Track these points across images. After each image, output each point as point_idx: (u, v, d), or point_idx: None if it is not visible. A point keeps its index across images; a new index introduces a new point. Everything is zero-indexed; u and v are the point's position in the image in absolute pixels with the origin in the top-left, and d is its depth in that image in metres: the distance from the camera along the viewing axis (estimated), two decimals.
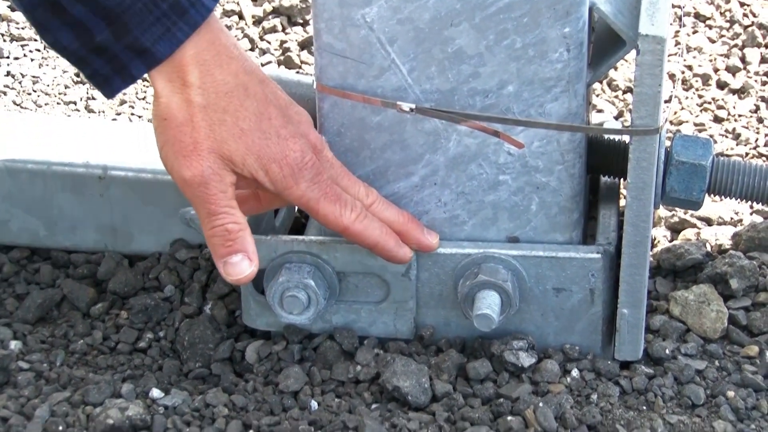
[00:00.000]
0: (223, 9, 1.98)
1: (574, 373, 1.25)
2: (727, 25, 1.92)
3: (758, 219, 1.48)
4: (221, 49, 1.11)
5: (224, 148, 1.11)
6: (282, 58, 1.89)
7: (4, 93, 1.80)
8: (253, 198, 1.21)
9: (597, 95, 1.79)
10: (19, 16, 1.95)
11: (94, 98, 1.81)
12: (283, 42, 1.92)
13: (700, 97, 1.78)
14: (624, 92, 1.80)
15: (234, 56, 1.12)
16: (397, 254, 1.21)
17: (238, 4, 1.99)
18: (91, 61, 1.09)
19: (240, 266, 1.13)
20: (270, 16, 1.97)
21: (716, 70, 1.83)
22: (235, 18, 1.97)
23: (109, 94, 1.12)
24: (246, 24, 1.96)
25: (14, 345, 1.31)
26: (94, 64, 1.10)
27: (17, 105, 1.79)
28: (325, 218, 1.17)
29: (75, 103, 1.80)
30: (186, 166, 1.11)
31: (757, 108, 1.75)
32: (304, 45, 1.91)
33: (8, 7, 1.99)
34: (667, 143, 1.30)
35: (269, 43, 1.93)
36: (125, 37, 1.08)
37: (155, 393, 1.23)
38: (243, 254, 1.12)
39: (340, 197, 1.17)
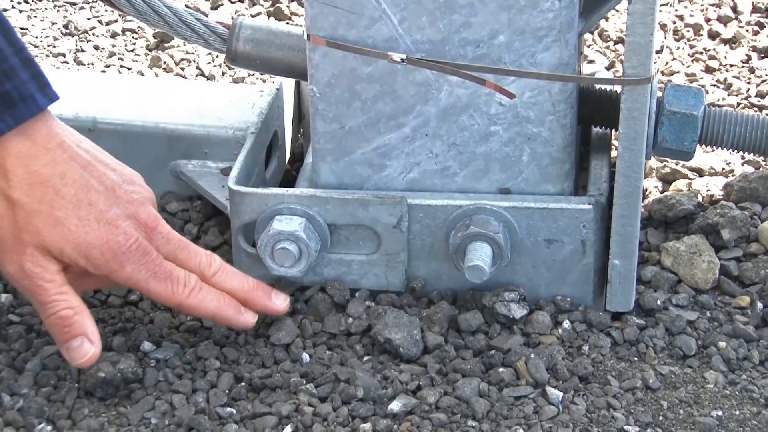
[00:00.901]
0: None
1: (566, 324, 1.25)
2: None
3: (749, 169, 1.48)
4: (40, 141, 1.11)
5: (41, 240, 1.11)
6: (272, 9, 1.87)
7: None
8: (100, 277, 1.19)
9: (588, 46, 1.78)
10: None
11: (83, 50, 1.80)
12: None
13: (692, 47, 1.77)
14: (615, 43, 1.79)
15: (50, 147, 1.12)
16: (238, 322, 1.21)
17: None
18: None
19: (81, 349, 1.14)
20: None
21: (708, 20, 1.82)
22: None
23: None
24: None
25: (4, 298, 1.31)
26: None
27: None
28: (157, 296, 1.17)
29: (64, 55, 1.79)
30: (8, 262, 1.12)
31: (749, 58, 1.74)
32: None
33: None
34: (659, 93, 1.29)
35: None
36: None
37: (146, 346, 1.24)
38: (81, 337, 1.13)
39: (170, 274, 1.16)
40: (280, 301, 1.23)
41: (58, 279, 1.13)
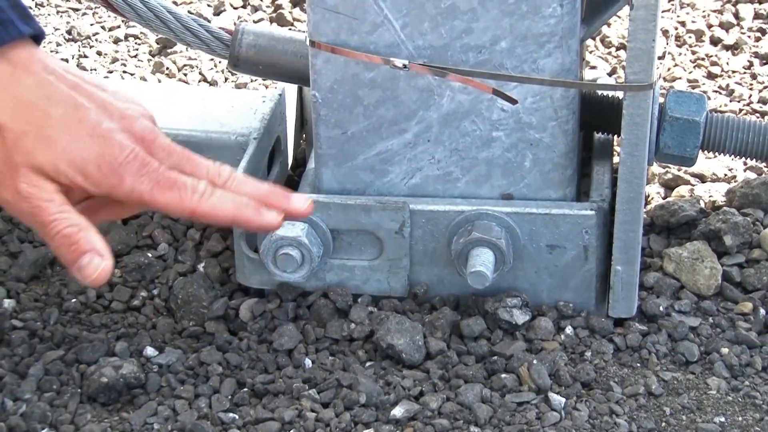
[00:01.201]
0: None
1: (568, 330, 1.25)
2: None
3: (752, 175, 1.48)
4: (22, 65, 1.07)
5: (33, 160, 1.07)
6: (274, 15, 1.88)
7: None
8: (107, 204, 1.14)
9: (590, 52, 1.78)
10: None
11: (86, 56, 1.80)
12: None
13: (694, 53, 1.77)
14: (617, 49, 1.79)
15: (35, 70, 1.07)
16: (261, 221, 1.11)
17: None
18: None
19: (92, 265, 1.07)
20: None
21: (710, 26, 1.83)
22: None
23: None
24: None
25: (8, 303, 1.31)
26: None
27: None
28: (166, 207, 1.09)
29: (67, 60, 1.79)
30: (3, 188, 1.07)
31: (751, 64, 1.74)
32: (296, 2, 1.90)
33: None
34: (661, 99, 1.29)
35: (261, 0, 1.92)
36: None
37: (149, 351, 1.24)
38: (90, 253, 1.07)
39: (176, 182, 1.09)
40: (301, 202, 1.13)
41: (57, 198, 1.07)
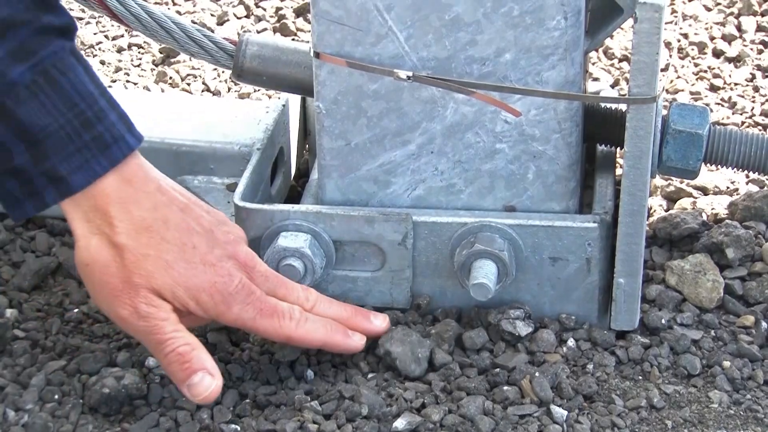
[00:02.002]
0: None
1: (570, 342, 1.25)
2: None
3: (754, 188, 1.48)
4: (139, 185, 1.13)
5: (153, 283, 1.12)
6: (277, 25, 1.88)
7: None
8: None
9: (593, 63, 1.78)
10: None
11: None
12: (278, 9, 1.91)
13: (696, 65, 1.78)
14: (620, 60, 1.79)
15: (150, 191, 1.13)
16: (348, 346, 1.21)
17: None
18: (5, 181, 1.10)
19: (203, 384, 1.13)
20: None
21: (712, 39, 1.83)
22: None
23: (18, 217, 1.13)
24: None
25: (10, 313, 1.31)
26: (7, 185, 1.11)
27: None
28: (265, 333, 1.18)
29: None
30: (120, 306, 1.12)
31: (753, 77, 1.74)
32: (300, 12, 1.90)
33: None
34: (664, 112, 1.29)
35: (264, 10, 1.92)
36: (43, 162, 1.09)
37: (151, 362, 1.23)
38: (203, 372, 1.13)
39: (275, 310, 1.17)
40: (379, 322, 1.23)
41: (172, 317, 1.13)
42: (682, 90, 1.72)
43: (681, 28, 1.84)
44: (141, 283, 1.12)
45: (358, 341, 1.21)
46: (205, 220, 1.17)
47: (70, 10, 1.91)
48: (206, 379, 1.13)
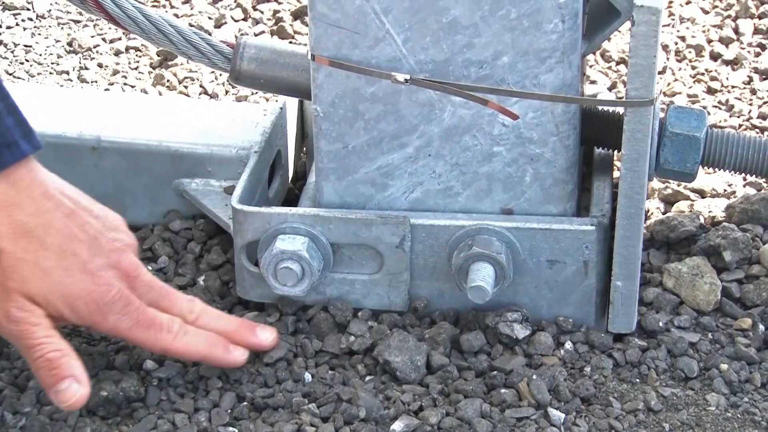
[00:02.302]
0: None
1: (568, 345, 1.25)
2: None
3: (751, 191, 1.48)
4: (24, 189, 1.12)
5: (26, 288, 1.12)
6: (275, 28, 1.88)
7: None
8: None
9: (590, 66, 1.78)
10: None
11: (86, 68, 1.80)
12: (276, 12, 1.91)
13: (694, 68, 1.78)
14: (617, 63, 1.79)
15: (35, 196, 1.13)
16: (227, 360, 1.20)
17: None
18: None
19: (70, 390, 1.13)
20: None
21: (709, 41, 1.83)
22: None
23: None
24: None
25: None
26: None
27: (10, 75, 1.78)
28: (142, 344, 1.18)
29: (68, 72, 1.79)
30: None
31: (750, 79, 1.75)
32: (297, 15, 1.90)
33: None
34: (661, 115, 1.30)
35: (262, 12, 1.92)
36: None
37: (149, 365, 1.23)
38: (69, 379, 1.13)
39: (153, 322, 1.17)
40: (266, 335, 1.23)
41: (44, 322, 1.13)
42: (680, 93, 1.72)
43: (678, 31, 1.85)
44: (14, 287, 1.12)
45: (239, 356, 1.20)
46: (91, 226, 1.16)
47: (68, 13, 1.91)
48: (73, 386, 1.12)
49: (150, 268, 1.37)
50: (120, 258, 1.17)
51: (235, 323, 1.23)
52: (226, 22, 1.90)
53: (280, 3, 1.94)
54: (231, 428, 1.17)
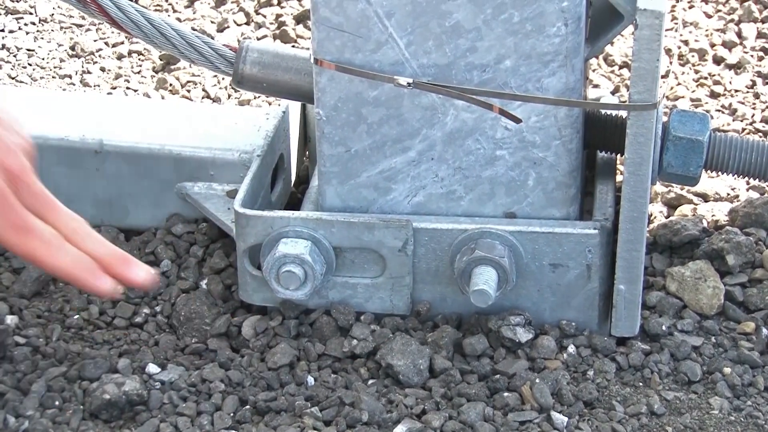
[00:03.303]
0: None
1: (571, 349, 1.25)
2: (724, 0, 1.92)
3: (755, 195, 1.48)
4: None
5: None
6: (277, 32, 1.88)
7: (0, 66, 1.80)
8: None
9: (593, 70, 1.78)
10: None
11: (89, 72, 1.80)
12: (278, 16, 1.92)
13: (697, 72, 1.78)
14: (620, 67, 1.79)
15: None
16: (95, 287, 1.15)
17: None
18: None
19: None
20: None
21: (712, 45, 1.83)
22: None
23: None
24: None
25: (10, 319, 1.31)
26: None
27: (12, 78, 1.78)
28: (14, 249, 1.12)
29: (70, 76, 1.79)
30: None
31: (754, 83, 1.74)
32: (300, 19, 1.90)
33: None
34: (665, 118, 1.29)
35: (264, 17, 1.92)
36: None
37: (151, 368, 1.23)
38: None
39: (30, 229, 1.12)
40: (142, 274, 1.17)
41: None
42: (683, 97, 1.72)
43: (681, 35, 1.85)
44: None
45: (106, 285, 1.14)
46: None
47: (71, 17, 1.91)
48: None
49: (153, 271, 1.36)
50: (6, 156, 1.11)
51: (114, 254, 1.16)
52: (228, 26, 1.90)
53: (282, 7, 1.94)
54: None
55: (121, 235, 1.42)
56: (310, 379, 1.22)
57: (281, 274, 1.25)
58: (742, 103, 1.70)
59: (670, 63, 1.75)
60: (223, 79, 1.77)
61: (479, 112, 1.23)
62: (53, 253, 1.13)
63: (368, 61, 1.21)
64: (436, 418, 1.17)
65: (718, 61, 1.80)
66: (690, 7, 1.91)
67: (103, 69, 1.81)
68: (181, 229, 1.42)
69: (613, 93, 1.72)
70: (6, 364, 1.25)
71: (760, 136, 1.63)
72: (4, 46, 1.84)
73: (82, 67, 1.82)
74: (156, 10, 1.93)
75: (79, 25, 1.90)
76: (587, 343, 1.26)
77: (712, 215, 1.43)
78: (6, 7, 1.92)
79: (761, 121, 1.66)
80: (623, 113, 1.30)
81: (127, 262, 1.17)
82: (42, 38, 1.87)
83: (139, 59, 1.84)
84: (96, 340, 1.29)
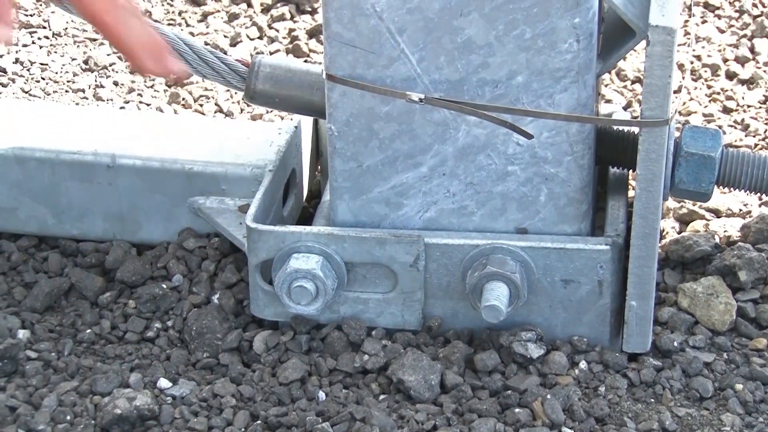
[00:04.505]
0: None
1: (582, 365, 1.25)
2: (737, 15, 1.91)
3: (767, 211, 1.48)
4: None
5: None
6: (290, 46, 1.88)
7: (13, 80, 1.80)
8: None
9: (605, 85, 1.78)
10: (28, 2, 1.95)
11: (102, 86, 1.81)
12: (291, 30, 1.92)
13: (709, 87, 1.78)
14: (633, 82, 1.79)
15: None
16: (161, 67, 1.11)
17: None
18: None
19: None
20: (278, 4, 1.97)
21: (725, 61, 1.83)
22: (244, 6, 1.97)
23: None
24: (254, 12, 1.96)
25: (22, 334, 1.31)
26: None
27: (26, 93, 1.78)
28: (93, 15, 1.07)
29: (83, 90, 1.80)
30: None
31: (766, 99, 1.74)
32: (313, 33, 1.90)
33: None
34: (677, 134, 1.29)
35: (277, 31, 1.93)
36: None
37: (163, 383, 1.24)
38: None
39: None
40: (176, 68, 1.13)
41: None
42: (695, 112, 1.71)
43: (694, 50, 1.84)
44: None
45: (174, 66, 1.11)
46: None
47: (84, 31, 1.92)
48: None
49: (164, 286, 1.37)
50: None
51: (161, 44, 1.12)
52: (241, 41, 1.90)
53: (295, 21, 1.95)
54: None
55: (133, 250, 1.42)
56: (322, 395, 1.22)
57: (293, 289, 1.25)
58: (755, 119, 1.70)
59: (683, 78, 1.75)
60: (235, 93, 1.78)
61: (491, 128, 1.23)
62: (129, 21, 1.08)
63: (380, 76, 1.21)
64: None
65: (730, 76, 1.80)
66: (703, 22, 1.91)
67: (116, 83, 1.82)
68: (193, 244, 1.42)
69: (625, 108, 1.72)
70: (18, 379, 1.25)
71: None
72: (17, 60, 1.85)
73: (96, 81, 1.82)
74: (169, 24, 1.94)
75: (93, 40, 1.91)
76: (599, 359, 1.26)
77: (725, 231, 1.43)
78: (20, 21, 1.93)
79: None
80: (635, 129, 1.30)
81: (166, 51, 1.13)
82: (55, 52, 1.88)
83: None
84: (107, 355, 1.29)
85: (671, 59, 1.15)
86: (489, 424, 1.18)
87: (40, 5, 1.93)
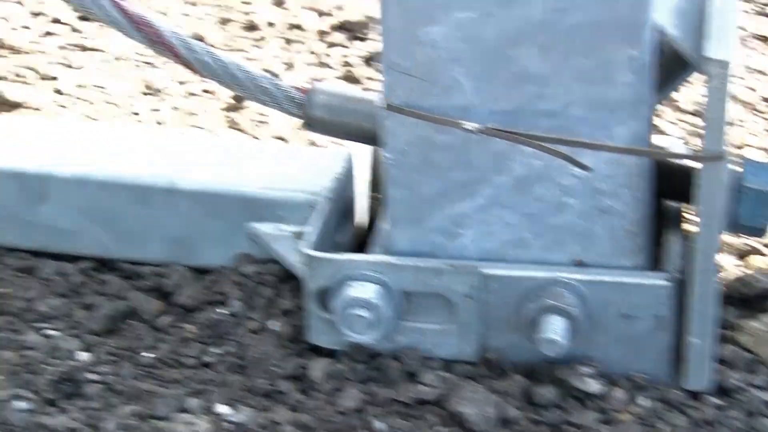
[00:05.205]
0: (288, 24, 1.99)
1: (642, 401, 1.24)
2: None
3: None
4: None
5: None
6: (344, 72, 1.89)
7: (74, 103, 1.82)
8: None
9: (661, 117, 1.78)
10: (87, 26, 1.98)
11: (160, 110, 1.82)
12: (345, 57, 1.93)
13: (766, 120, 1.76)
14: (687, 114, 1.78)
15: None
16: None
17: (301, 18, 2.00)
18: None
19: None
20: (334, 31, 1.98)
21: None
22: (298, 32, 1.98)
23: None
24: (310, 38, 1.97)
25: (83, 356, 1.32)
26: None
27: (86, 116, 1.80)
28: None
29: (142, 114, 1.82)
30: None
31: None
32: (367, 60, 1.91)
33: (77, 17, 2.01)
34: (735, 168, 1.28)
35: (331, 57, 1.94)
36: None
37: (221, 408, 1.24)
38: None
39: None
40: None
41: None
42: (751, 145, 1.70)
43: (749, 82, 1.83)
44: None
45: None
46: None
47: (142, 55, 1.94)
48: None
49: (222, 311, 1.38)
50: None
51: None
52: (297, 67, 1.92)
53: (350, 48, 1.96)
54: None
55: (191, 274, 1.43)
56: (380, 425, 1.22)
57: (350, 317, 1.25)
58: None
59: (738, 111, 1.74)
60: (290, 118, 1.79)
61: (547, 159, 1.23)
62: None
63: (436, 105, 1.22)
64: None
65: None
66: (762, 55, 1.90)
67: (174, 107, 1.83)
68: (251, 269, 1.42)
69: (680, 140, 1.71)
70: (78, 401, 1.26)
71: None
72: (78, 83, 1.87)
73: (154, 105, 1.84)
74: (224, 49, 1.95)
75: (152, 64, 1.93)
76: (659, 396, 1.25)
77: None
78: (80, 45, 1.95)
79: None
80: (692, 162, 1.29)
81: None
82: (114, 76, 1.90)
83: (208, 98, 1.86)
84: (166, 379, 1.30)
85: (726, 92, 1.14)
86: None
87: (101, 28, 1.96)
